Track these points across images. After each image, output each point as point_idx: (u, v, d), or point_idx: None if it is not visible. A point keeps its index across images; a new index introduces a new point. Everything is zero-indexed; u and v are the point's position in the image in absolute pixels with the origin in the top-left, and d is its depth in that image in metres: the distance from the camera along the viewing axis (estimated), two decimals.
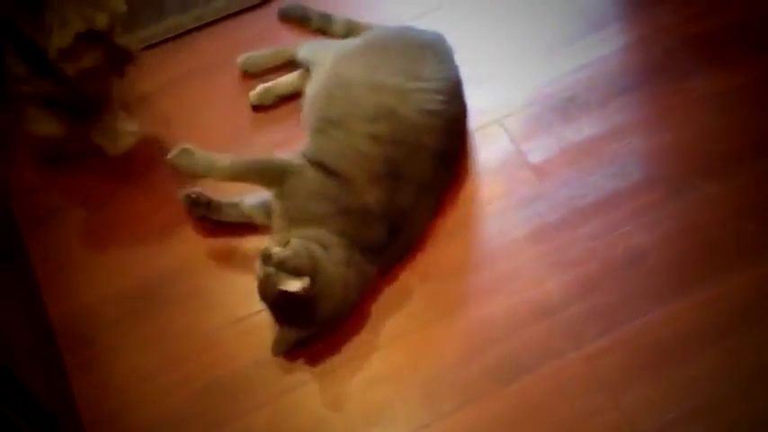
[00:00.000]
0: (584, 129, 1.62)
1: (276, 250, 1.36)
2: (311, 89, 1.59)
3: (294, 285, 1.32)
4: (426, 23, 1.70)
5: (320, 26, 1.78)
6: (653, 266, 1.46)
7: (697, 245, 1.47)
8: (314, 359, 1.42)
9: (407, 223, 1.48)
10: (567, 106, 1.65)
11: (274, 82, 1.70)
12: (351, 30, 1.73)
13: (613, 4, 1.78)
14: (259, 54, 1.74)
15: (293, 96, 1.68)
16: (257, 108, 1.70)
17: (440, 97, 1.50)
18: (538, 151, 1.60)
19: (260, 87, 1.70)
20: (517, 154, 1.60)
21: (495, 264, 1.49)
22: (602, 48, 1.71)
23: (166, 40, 1.81)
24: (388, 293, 1.47)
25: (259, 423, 1.37)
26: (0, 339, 1.22)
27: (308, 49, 1.68)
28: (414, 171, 1.47)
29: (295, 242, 1.38)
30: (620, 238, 1.49)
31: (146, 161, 1.66)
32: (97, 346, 1.45)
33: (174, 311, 1.48)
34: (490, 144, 1.62)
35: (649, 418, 1.33)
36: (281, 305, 1.37)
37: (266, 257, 1.36)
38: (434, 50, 1.58)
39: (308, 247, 1.38)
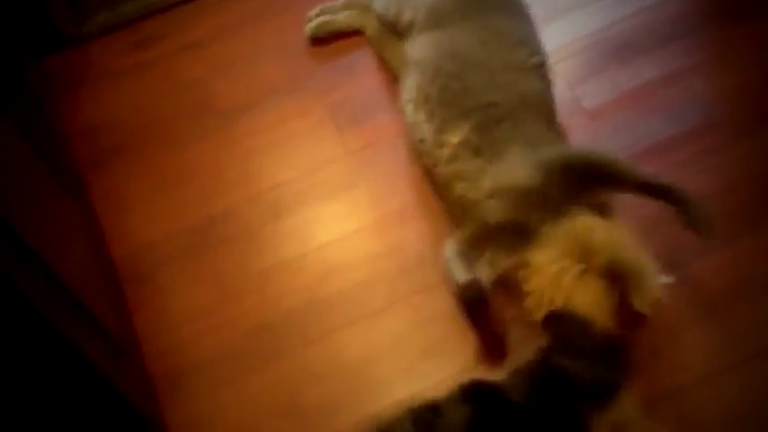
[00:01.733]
0: (641, 73, 1.58)
1: None
2: (419, 53, 1.48)
3: None
4: None
5: None
6: (716, 210, 1.41)
7: (762, 189, 1.43)
8: (366, 301, 1.41)
9: None
10: (622, 51, 1.62)
11: (332, 17, 1.70)
12: None
13: None
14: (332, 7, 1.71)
15: (348, 34, 1.68)
16: (314, 41, 1.70)
17: (548, 72, 1.47)
18: (593, 96, 1.57)
19: (317, 20, 1.69)
20: (572, 99, 1.58)
21: None
22: None
23: None
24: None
25: (312, 359, 1.37)
26: (74, 278, 1.21)
27: (386, 4, 1.60)
28: None
29: None
30: (682, 180, 1.44)
31: (195, 107, 1.67)
32: (154, 284, 1.48)
33: (226, 251, 1.49)
34: None
35: (708, 361, 1.30)
36: None
37: None
38: (525, 10, 1.53)
39: None
